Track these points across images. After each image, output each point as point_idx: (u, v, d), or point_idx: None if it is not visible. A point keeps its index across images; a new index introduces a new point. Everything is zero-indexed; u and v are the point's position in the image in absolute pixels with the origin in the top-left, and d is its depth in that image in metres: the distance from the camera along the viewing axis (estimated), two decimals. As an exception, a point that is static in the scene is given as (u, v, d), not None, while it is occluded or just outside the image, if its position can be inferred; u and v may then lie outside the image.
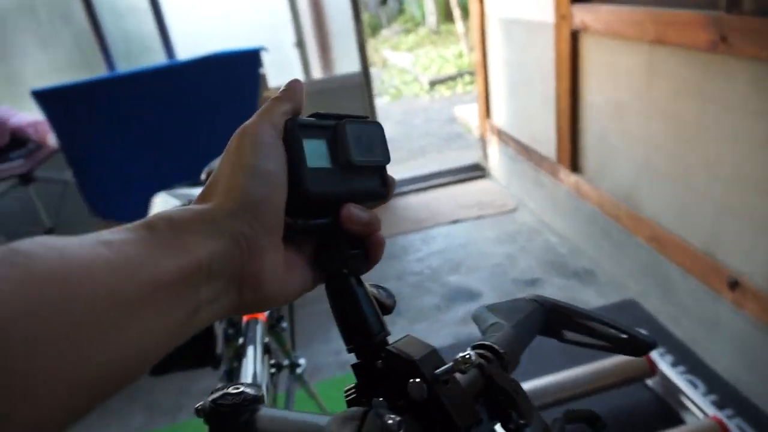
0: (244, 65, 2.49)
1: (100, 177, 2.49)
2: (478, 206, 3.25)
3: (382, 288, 0.39)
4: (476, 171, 3.72)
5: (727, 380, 1.74)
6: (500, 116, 3.29)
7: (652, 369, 1.73)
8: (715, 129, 1.63)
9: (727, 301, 1.69)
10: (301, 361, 1.49)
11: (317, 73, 3.28)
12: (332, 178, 0.34)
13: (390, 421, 0.30)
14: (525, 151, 2.98)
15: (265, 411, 0.38)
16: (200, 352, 1.21)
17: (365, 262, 0.36)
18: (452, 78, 7.26)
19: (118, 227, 0.28)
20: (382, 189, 0.38)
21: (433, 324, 2.25)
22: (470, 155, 4.02)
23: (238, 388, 0.39)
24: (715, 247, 1.72)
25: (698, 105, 1.68)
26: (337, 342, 1.99)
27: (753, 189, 1.53)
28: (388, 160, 0.37)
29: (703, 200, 1.74)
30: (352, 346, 0.36)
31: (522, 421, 0.40)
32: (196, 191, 1.37)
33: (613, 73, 2.08)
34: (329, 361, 2.08)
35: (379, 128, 0.38)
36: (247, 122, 0.35)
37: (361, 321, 0.35)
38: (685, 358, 1.85)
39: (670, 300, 1.97)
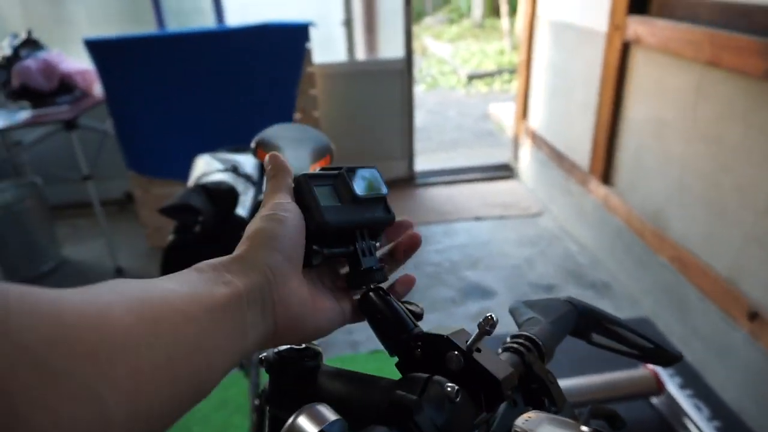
0: (292, 38, 2.51)
1: (140, 132, 2.55)
2: (503, 206, 3.26)
3: (411, 302, 0.44)
4: (505, 171, 3.72)
5: (733, 409, 1.74)
6: (536, 119, 3.28)
7: (660, 388, 1.74)
8: (755, 157, 1.62)
9: (743, 331, 1.68)
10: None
11: (361, 54, 3.29)
12: (343, 211, 0.41)
13: (449, 388, 0.33)
14: (557, 157, 2.97)
15: (326, 367, 0.41)
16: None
17: (385, 275, 0.43)
18: (491, 74, 7.20)
19: (177, 273, 0.34)
20: (387, 215, 0.44)
21: (446, 316, 2.28)
22: (500, 154, 4.01)
23: (301, 345, 0.42)
24: (738, 276, 1.71)
25: (741, 131, 1.66)
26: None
27: (787, 223, 1.52)
28: (386, 192, 0.44)
29: (732, 227, 1.73)
30: (392, 348, 0.40)
31: (554, 408, 0.43)
32: (239, 157, 1.41)
33: (660, 90, 2.06)
34: (341, 339, 2.12)
35: (374, 169, 0.45)
36: (266, 196, 0.41)
37: (396, 321, 0.40)
38: (693, 381, 1.86)
39: (685, 322, 1.97)
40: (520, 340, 0.46)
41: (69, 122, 2.32)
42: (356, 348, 2.07)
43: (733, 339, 1.74)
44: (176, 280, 0.32)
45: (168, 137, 2.55)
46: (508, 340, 0.47)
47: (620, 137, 2.37)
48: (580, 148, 2.69)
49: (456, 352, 0.36)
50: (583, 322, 0.56)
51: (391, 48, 3.25)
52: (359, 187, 0.42)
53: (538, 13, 3.11)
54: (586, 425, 0.46)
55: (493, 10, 9.79)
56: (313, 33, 2.64)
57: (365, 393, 0.37)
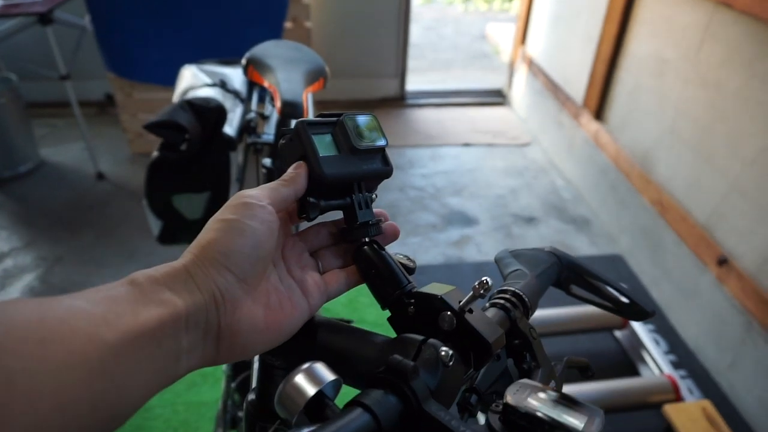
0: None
1: (120, 31, 2.40)
2: (492, 134, 3.22)
3: (403, 254, 0.44)
4: (497, 97, 3.64)
5: (689, 346, 1.85)
6: (535, 46, 3.17)
7: (624, 322, 1.83)
8: (751, 107, 1.61)
9: (711, 276, 1.75)
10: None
11: (358, -40, 3.08)
12: (341, 162, 0.40)
13: (443, 352, 0.34)
14: (552, 88, 2.91)
15: (320, 318, 0.41)
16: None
17: (380, 228, 0.43)
18: (492, -9, 6.86)
19: (105, 285, 0.30)
20: (385, 168, 0.43)
21: (426, 241, 2.32)
22: (494, 79, 3.91)
23: None
24: (715, 223, 1.76)
25: (743, 78, 1.64)
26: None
27: (771, 176, 1.54)
28: (385, 142, 0.43)
29: (717, 175, 1.75)
30: (385, 302, 0.40)
31: (534, 363, 0.44)
32: (227, 70, 1.35)
33: (666, 28, 1.99)
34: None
35: (374, 117, 0.43)
36: (248, 190, 0.37)
37: (389, 276, 0.40)
38: (657, 318, 1.96)
39: (657, 263, 2.04)
40: (507, 296, 0.47)
41: (43, 15, 2.17)
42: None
43: (700, 282, 1.81)
44: (91, 297, 0.28)
45: (150, 38, 2.42)
46: (496, 294, 0.48)
47: (618, 73, 2.32)
48: (577, 80, 2.64)
49: (449, 313, 0.37)
50: (565, 274, 0.58)
51: (390, -45, 3.05)
52: (358, 136, 0.41)
53: (550, -71, 2.92)
54: (560, 377, 0.48)
55: None
56: (309, -66, 2.45)
57: (361, 350, 0.38)
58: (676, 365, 1.77)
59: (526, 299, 0.48)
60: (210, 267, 0.32)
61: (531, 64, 3.20)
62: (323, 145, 0.40)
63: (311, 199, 0.39)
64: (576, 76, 2.65)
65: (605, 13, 2.32)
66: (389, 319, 0.40)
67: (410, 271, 0.43)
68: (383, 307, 0.40)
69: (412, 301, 0.38)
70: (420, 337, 0.36)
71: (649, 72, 2.10)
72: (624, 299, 0.57)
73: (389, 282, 0.40)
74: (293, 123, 0.41)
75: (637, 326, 1.83)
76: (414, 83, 3.63)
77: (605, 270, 2.24)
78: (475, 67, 4.59)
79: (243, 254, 0.33)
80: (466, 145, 3.10)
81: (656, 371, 1.70)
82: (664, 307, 1.99)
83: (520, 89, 3.39)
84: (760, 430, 1.57)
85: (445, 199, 2.60)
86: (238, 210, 0.35)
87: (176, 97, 1.25)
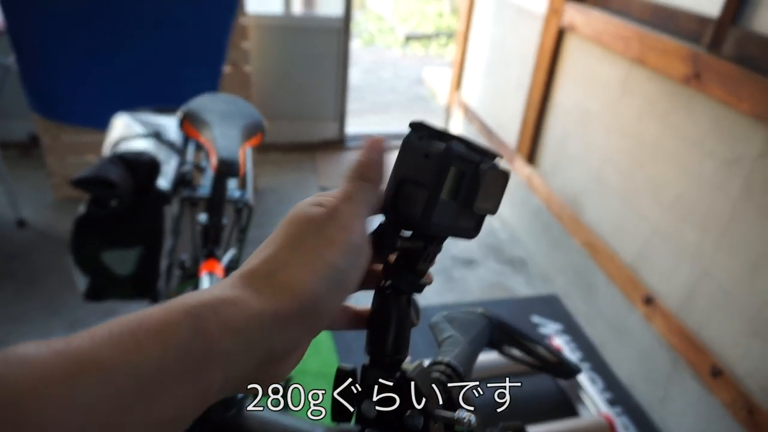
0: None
1: (48, 71, 2.31)
2: (431, 176, 3.29)
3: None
4: (435, 140, 3.74)
5: (624, 383, 1.92)
6: (470, 92, 3.30)
7: (562, 363, 1.87)
8: (668, 157, 1.73)
9: (639, 314, 1.84)
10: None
11: (298, 8, 3.13)
12: (450, 212, 0.34)
13: None
14: (487, 133, 3.03)
15: (249, 416, 0.39)
16: (140, 284, 1.20)
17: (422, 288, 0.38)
18: (428, 36, 7.14)
19: (154, 309, 0.24)
20: (474, 232, 0.37)
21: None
22: (432, 122, 4.02)
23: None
24: (640, 264, 1.86)
25: (659, 130, 1.77)
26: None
27: (686, 221, 1.65)
28: (496, 211, 0.37)
29: (640, 220, 1.85)
30: (377, 359, 0.36)
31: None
32: (162, 120, 1.32)
33: (589, 80, 2.13)
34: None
35: (506, 177, 0.36)
36: (329, 203, 0.29)
37: (399, 338, 0.36)
38: (592, 357, 2.02)
39: (590, 302, 2.12)
40: (441, 368, 0.48)
41: (-38, 55, 2.05)
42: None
43: (630, 320, 1.89)
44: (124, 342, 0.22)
45: (81, 80, 2.33)
46: (432, 364, 0.49)
47: (548, 120, 2.44)
48: (510, 125, 2.76)
49: (419, 412, 0.35)
50: (497, 335, 0.60)
51: (329, 3, 3.12)
52: (483, 195, 0.34)
53: (481, -15, 3.09)
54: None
55: (435, -31, 9.61)
56: (248, -19, 2.48)
57: None
58: (612, 402, 1.82)
59: (461, 370, 0.49)
60: (291, 324, 0.26)
61: (466, 110, 3.32)
62: (450, 182, 0.33)
63: (392, 232, 0.33)
64: (509, 121, 2.77)
65: (534, 64, 2.46)
66: (365, 366, 0.37)
67: (412, 324, 0.39)
68: (371, 357, 0.37)
69: (398, 375, 0.36)
70: (357, 428, 0.35)
71: (575, 121, 2.23)
72: (552, 358, 0.60)
73: (392, 345, 0.36)
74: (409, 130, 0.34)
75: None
76: (354, 126, 3.68)
77: (544, 309, 2.31)
78: (413, 110, 4.72)
79: (333, 305, 0.28)
80: (406, 187, 3.15)
81: (594, 410, 1.75)
82: (599, 345, 2.06)
83: (457, 133, 3.50)
84: (691, 464, 1.63)
85: (386, 242, 2.61)
86: (340, 248, 0.28)
87: (107, 148, 1.20)
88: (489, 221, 2.83)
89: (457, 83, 3.46)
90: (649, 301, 1.79)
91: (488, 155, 0.35)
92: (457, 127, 3.49)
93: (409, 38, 7.04)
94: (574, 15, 2.16)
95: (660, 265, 1.77)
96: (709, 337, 1.58)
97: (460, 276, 2.42)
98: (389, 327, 0.35)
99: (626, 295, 1.90)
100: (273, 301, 0.25)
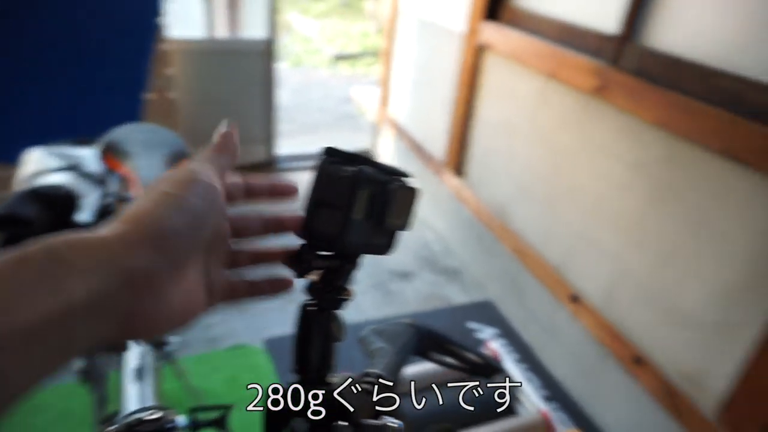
0: (140, 10, 2.29)
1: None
2: (365, 193, 3.32)
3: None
4: (367, 157, 3.79)
5: (559, 380, 2.00)
6: (398, 109, 3.38)
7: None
8: (584, 164, 1.85)
9: (567, 312, 1.94)
10: (171, 338, 1.45)
11: (222, 31, 3.10)
12: (363, 231, 0.36)
13: None
14: (416, 147, 3.11)
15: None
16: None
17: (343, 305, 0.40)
18: (355, 56, 7.25)
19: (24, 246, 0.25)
20: (387, 248, 0.40)
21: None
22: (362, 139, 4.08)
23: (154, 413, 0.40)
24: (566, 266, 1.96)
25: (575, 140, 1.89)
26: (207, 318, 1.97)
27: (604, 223, 1.77)
28: (408, 227, 0.39)
29: (563, 225, 1.96)
30: (301, 372, 0.38)
31: None
32: (80, 152, 1.27)
33: (508, 95, 2.25)
34: (198, 336, 2.04)
35: (414, 193, 0.39)
36: (195, 164, 0.34)
37: (323, 354, 0.38)
38: (528, 357, 2.10)
39: (523, 306, 2.21)
40: (370, 379, 0.50)
41: None
42: (215, 344, 2.01)
43: (559, 319, 1.99)
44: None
45: (-13, 112, 2.19)
46: (360, 378, 0.50)
47: (473, 133, 2.54)
48: (438, 140, 2.84)
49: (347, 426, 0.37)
50: (424, 343, 0.63)
51: (254, 26, 3.11)
52: (395, 212, 0.37)
53: (401, 8, 3.19)
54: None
55: (358, -10, 9.79)
56: (169, 6, 2.43)
57: None
58: (549, 399, 1.90)
59: (390, 379, 0.51)
60: (140, 247, 0.28)
61: (395, 126, 3.39)
62: (361, 203, 0.35)
63: (310, 255, 0.35)
64: (437, 136, 2.86)
65: (457, 80, 2.56)
66: (296, 383, 0.38)
67: (336, 339, 0.41)
68: (298, 375, 0.38)
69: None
70: None
71: (499, 133, 2.34)
72: (477, 359, 0.64)
73: (320, 358, 0.38)
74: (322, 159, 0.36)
75: (511, 366, 1.94)
76: (284, 147, 3.67)
77: (479, 316, 2.37)
78: (342, 129, 4.76)
79: (183, 237, 0.30)
80: (341, 205, 3.16)
81: (531, 409, 1.82)
82: (535, 346, 2.14)
83: (387, 149, 3.57)
84: (624, 452, 1.73)
85: (323, 261, 2.61)
86: (185, 183, 0.31)
87: (20, 185, 1.14)
88: (422, 234, 2.89)
89: (385, 101, 3.53)
90: (575, 299, 1.89)
91: (397, 175, 0.37)
92: (387, 143, 3.56)
93: (337, 58, 7.11)
94: (491, 34, 2.27)
95: (583, 265, 1.88)
96: (629, 328, 1.69)
97: (397, 289, 2.45)
98: (312, 343, 0.37)
99: (554, 295, 2.00)
100: (120, 227, 0.28)
